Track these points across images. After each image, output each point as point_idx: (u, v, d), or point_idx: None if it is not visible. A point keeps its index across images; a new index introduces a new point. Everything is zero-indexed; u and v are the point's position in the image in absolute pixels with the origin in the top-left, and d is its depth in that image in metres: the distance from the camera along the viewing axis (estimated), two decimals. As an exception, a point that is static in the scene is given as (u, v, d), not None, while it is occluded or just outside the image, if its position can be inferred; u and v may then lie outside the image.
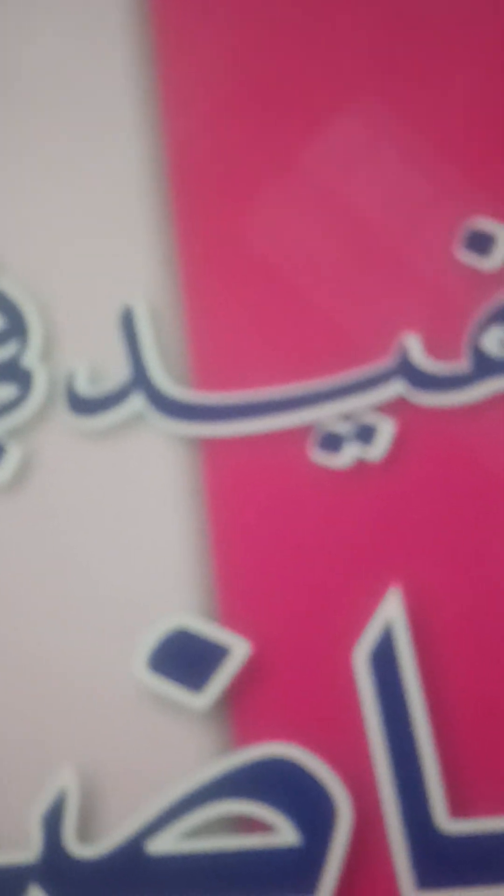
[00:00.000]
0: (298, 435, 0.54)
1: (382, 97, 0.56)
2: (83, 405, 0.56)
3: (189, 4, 0.59)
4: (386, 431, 0.53)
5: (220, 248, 0.56)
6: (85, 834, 0.52)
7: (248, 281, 0.56)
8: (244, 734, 0.52)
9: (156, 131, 0.58)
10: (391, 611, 0.51)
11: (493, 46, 0.55)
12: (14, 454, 0.56)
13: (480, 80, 0.55)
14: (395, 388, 0.53)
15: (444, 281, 0.54)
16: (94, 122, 0.59)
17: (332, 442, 0.53)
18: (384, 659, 0.51)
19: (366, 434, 0.53)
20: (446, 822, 0.49)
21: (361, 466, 0.53)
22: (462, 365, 0.53)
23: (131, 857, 0.51)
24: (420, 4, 0.56)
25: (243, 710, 0.52)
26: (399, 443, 0.53)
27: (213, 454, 0.55)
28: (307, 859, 0.50)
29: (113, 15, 0.59)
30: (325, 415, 0.53)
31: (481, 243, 0.54)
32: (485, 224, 0.54)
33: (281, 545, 0.53)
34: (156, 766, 0.52)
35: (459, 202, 0.55)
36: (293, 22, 0.57)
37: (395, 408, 0.53)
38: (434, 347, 0.53)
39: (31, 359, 0.57)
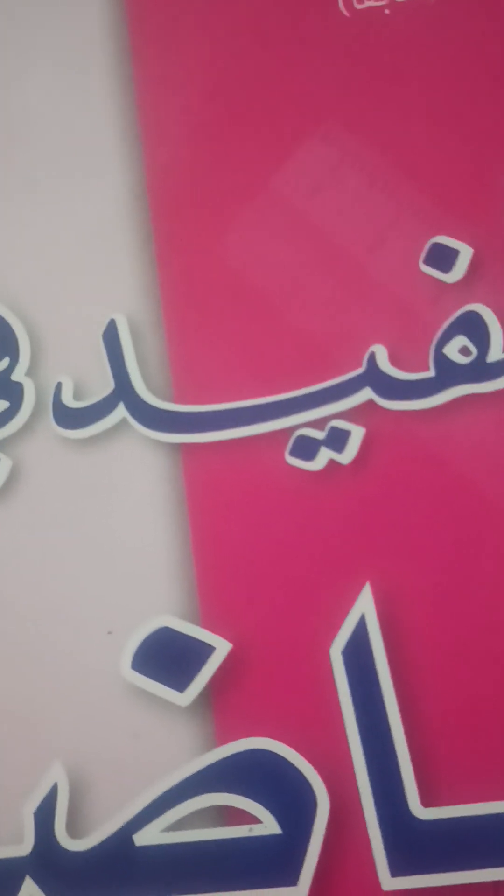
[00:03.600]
0: (274, 441, 0.54)
1: (349, 123, 0.56)
2: (69, 417, 0.56)
3: (166, 41, 0.59)
4: (356, 436, 0.53)
5: (198, 267, 0.56)
6: (75, 828, 0.52)
7: (225, 297, 0.56)
8: (226, 729, 0.52)
9: (136, 158, 0.58)
10: (364, 607, 0.52)
11: (453, 71, 0.56)
12: (4, 464, 0.56)
13: (442, 104, 0.55)
14: (365, 396, 0.53)
15: (408, 294, 0.54)
16: (78, 150, 0.59)
17: (305, 447, 0.54)
18: (358, 654, 0.51)
19: (337, 439, 0.53)
20: (419, 810, 0.50)
21: (334, 470, 0.53)
22: (427, 373, 0.53)
23: (120, 849, 0.51)
24: (385, 35, 0.56)
25: (224, 706, 0.52)
26: (369, 447, 0.53)
27: (193, 461, 0.55)
28: (287, 848, 0.50)
29: (95, 53, 0.59)
30: (299, 422, 0.54)
31: (443, 258, 0.54)
32: (446, 240, 0.54)
33: (258, 546, 0.53)
34: (142, 762, 0.52)
35: (422, 220, 0.55)
36: (263, 55, 0.57)
37: (365, 414, 0.53)
38: (400, 357, 0.54)
39: (19, 374, 0.57)
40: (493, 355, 0.53)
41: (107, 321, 0.56)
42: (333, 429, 0.53)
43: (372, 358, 0.54)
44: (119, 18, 0.59)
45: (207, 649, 0.52)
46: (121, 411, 0.55)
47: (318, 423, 0.54)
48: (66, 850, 0.52)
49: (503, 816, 0.49)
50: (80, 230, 0.58)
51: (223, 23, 0.57)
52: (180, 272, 0.56)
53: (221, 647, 0.52)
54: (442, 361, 0.53)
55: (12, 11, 0.60)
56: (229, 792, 0.51)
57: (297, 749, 0.51)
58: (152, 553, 0.54)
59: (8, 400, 0.57)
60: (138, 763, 0.52)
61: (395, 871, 0.49)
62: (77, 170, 0.58)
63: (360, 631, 0.51)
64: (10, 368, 0.57)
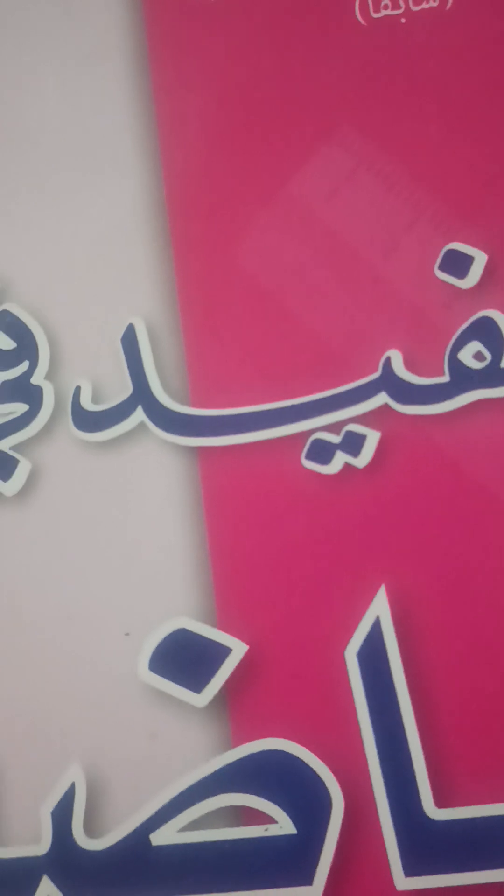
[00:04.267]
0: (290, 444, 0.54)
1: (365, 129, 0.56)
2: (87, 420, 0.56)
3: (184, 46, 0.59)
4: (371, 440, 0.53)
5: (215, 272, 0.57)
6: (92, 827, 0.53)
7: (242, 302, 0.56)
8: (242, 730, 0.52)
9: (154, 163, 0.58)
10: (379, 610, 0.52)
11: (468, 80, 0.56)
12: (23, 467, 0.56)
13: (457, 112, 0.56)
14: (380, 400, 0.54)
15: (423, 300, 0.54)
16: (97, 155, 0.59)
17: (321, 450, 0.54)
18: (373, 656, 0.52)
19: (353, 443, 0.53)
20: (433, 810, 0.50)
21: (349, 473, 0.53)
22: (442, 377, 0.54)
23: (136, 848, 0.52)
24: (401, 43, 0.57)
25: (240, 707, 0.53)
26: (384, 451, 0.53)
27: (210, 464, 0.55)
28: (303, 848, 0.50)
29: (113, 56, 0.60)
30: (315, 425, 0.54)
31: (458, 265, 0.54)
32: (461, 247, 0.54)
33: (275, 549, 0.54)
34: (158, 762, 0.53)
35: (437, 227, 0.55)
36: (280, 61, 0.57)
37: (380, 418, 0.54)
38: (415, 362, 0.54)
39: (38, 377, 0.57)
40: (508, 361, 0.54)
41: (125, 325, 0.57)
42: (349, 433, 0.54)
43: (387, 363, 0.54)
44: (136, 22, 0.59)
45: (224, 651, 0.53)
46: (139, 415, 0.56)
47: (333, 427, 0.54)
48: (83, 850, 0.52)
49: (516, 817, 0.50)
50: (98, 234, 0.58)
51: (240, 28, 0.58)
52: (198, 277, 0.56)
53: (238, 649, 0.53)
54: (456, 366, 0.53)
55: (27, 15, 0.60)
56: (245, 792, 0.51)
57: (312, 750, 0.51)
58: (169, 555, 0.54)
59: (27, 403, 0.57)
60: (155, 763, 0.53)
61: (409, 871, 0.50)
62: (95, 174, 0.58)
63: (375, 633, 0.52)
64: (30, 372, 0.57)
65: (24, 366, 0.58)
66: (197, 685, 0.52)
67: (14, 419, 0.57)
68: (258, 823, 0.51)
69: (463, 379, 0.53)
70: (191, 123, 0.58)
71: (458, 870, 0.49)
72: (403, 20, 0.56)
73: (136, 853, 0.52)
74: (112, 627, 0.54)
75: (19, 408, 0.57)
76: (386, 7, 0.56)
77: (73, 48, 0.60)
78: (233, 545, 0.54)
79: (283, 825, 0.51)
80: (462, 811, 0.50)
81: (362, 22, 0.57)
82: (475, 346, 0.53)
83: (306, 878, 0.50)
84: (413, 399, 0.53)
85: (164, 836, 0.51)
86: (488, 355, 0.53)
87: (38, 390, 0.57)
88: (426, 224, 0.55)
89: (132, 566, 0.55)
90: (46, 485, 0.56)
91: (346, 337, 0.55)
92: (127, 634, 0.54)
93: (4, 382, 0.57)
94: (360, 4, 0.57)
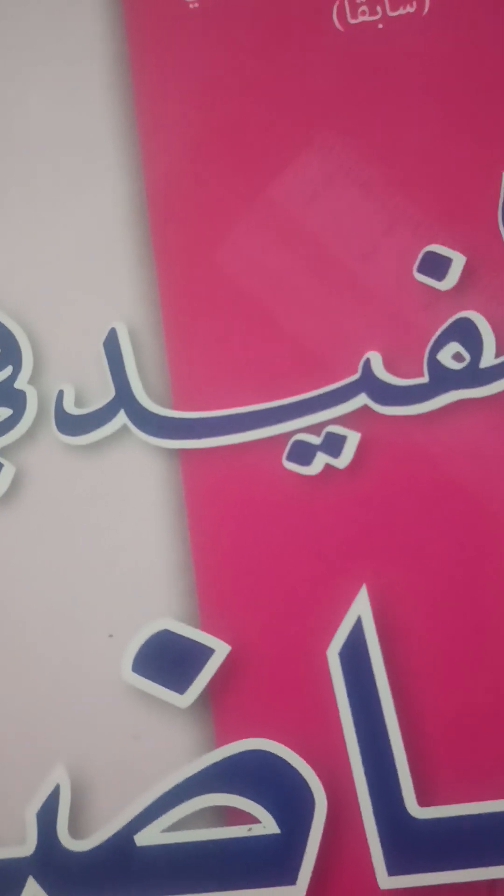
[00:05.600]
0: (271, 446, 0.54)
1: (344, 134, 0.57)
2: (70, 424, 0.56)
3: (165, 52, 0.59)
4: (352, 441, 0.53)
5: (196, 277, 0.57)
6: (77, 828, 0.52)
7: (223, 305, 0.56)
8: (225, 730, 0.52)
9: (135, 168, 0.59)
10: (360, 609, 0.52)
11: (445, 84, 0.56)
12: (7, 471, 0.56)
13: (435, 116, 0.56)
14: (360, 401, 0.54)
15: (403, 302, 0.55)
16: (78, 161, 0.59)
17: (302, 452, 0.54)
18: (355, 656, 0.51)
19: (333, 444, 0.54)
20: (416, 809, 0.50)
21: (330, 474, 0.54)
22: (421, 378, 0.54)
23: (121, 849, 0.52)
24: (379, 48, 0.57)
25: (224, 707, 0.53)
26: (364, 451, 0.53)
27: (192, 466, 0.55)
28: (286, 847, 0.50)
29: (94, 62, 0.60)
30: (296, 427, 0.54)
31: (437, 267, 0.54)
32: (440, 249, 0.54)
33: (256, 550, 0.53)
34: (142, 763, 0.53)
35: (416, 230, 0.55)
36: (259, 67, 0.58)
37: (361, 419, 0.54)
38: (395, 363, 0.54)
39: (21, 381, 0.57)
40: (486, 361, 0.53)
41: (107, 329, 0.57)
42: (329, 434, 0.54)
43: (367, 364, 0.54)
44: (118, 29, 0.59)
45: (207, 651, 0.53)
46: (121, 418, 0.56)
47: (314, 429, 0.54)
48: (68, 851, 0.52)
49: (499, 815, 0.49)
50: (80, 239, 0.58)
51: (220, 35, 0.58)
52: (179, 281, 0.57)
53: (220, 650, 0.52)
54: (436, 367, 0.53)
55: (11, 21, 0.61)
56: (228, 792, 0.51)
57: (295, 750, 0.51)
58: (152, 557, 0.54)
59: (11, 407, 0.57)
60: (139, 764, 0.52)
61: (393, 870, 0.49)
62: (77, 180, 0.58)
63: (357, 632, 0.52)
64: (13, 376, 0.57)
65: (8, 370, 0.58)
66: (180, 686, 0.52)
67: (-2, 423, 0.58)
68: (242, 823, 0.51)
69: (442, 380, 0.53)
70: (172, 129, 0.58)
71: (442, 868, 0.49)
72: (381, 26, 0.57)
73: (120, 854, 0.51)
74: (96, 629, 0.54)
75: (3, 412, 0.57)
76: (363, 13, 0.57)
77: (55, 55, 0.60)
78: (215, 546, 0.54)
79: (267, 825, 0.51)
80: (445, 810, 0.50)
81: (340, 28, 0.57)
82: (454, 346, 0.53)
83: (290, 878, 0.50)
84: (393, 400, 0.53)
85: (148, 837, 0.51)
86: (467, 356, 0.53)
87: (21, 394, 0.57)
88: (405, 227, 0.55)
89: (115, 568, 0.55)
90: (30, 488, 0.56)
91: (326, 339, 0.55)
92: (111, 636, 0.54)
93: (-12, 387, 0.58)
94: (337, 11, 0.57)
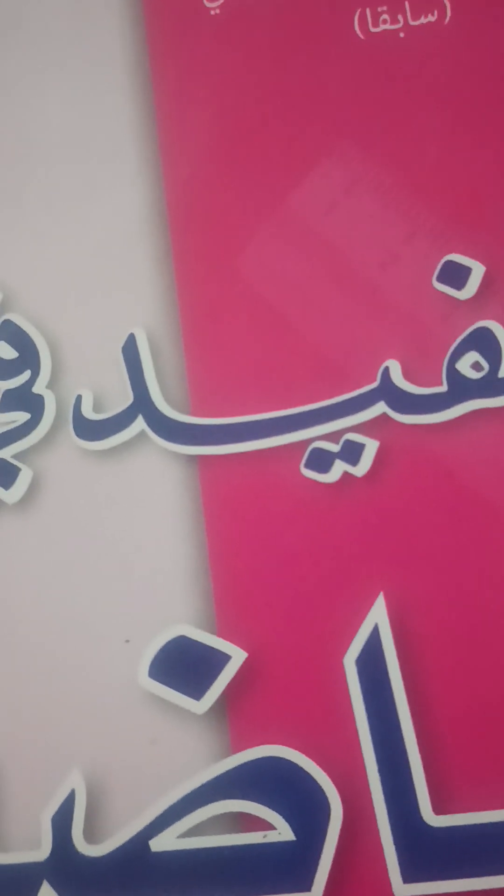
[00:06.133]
0: (289, 453, 0.54)
1: (364, 142, 0.57)
2: (88, 429, 0.56)
3: (186, 59, 0.59)
4: (370, 449, 0.53)
5: (216, 283, 0.57)
6: (92, 833, 0.52)
7: (242, 312, 0.56)
8: (241, 737, 0.52)
9: (155, 175, 0.59)
10: (377, 617, 0.52)
11: (466, 93, 0.56)
12: (24, 475, 0.56)
13: (455, 125, 0.56)
14: (379, 410, 0.54)
15: (422, 311, 0.55)
16: (99, 167, 0.59)
17: (320, 459, 0.54)
18: (371, 664, 0.51)
19: (352, 452, 0.54)
20: (431, 817, 0.50)
21: (348, 482, 0.53)
22: (440, 387, 0.54)
23: (136, 854, 0.52)
24: (400, 57, 0.57)
25: (240, 714, 0.53)
26: (382, 459, 0.53)
27: (210, 472, 0.55)
28: (301, 854, 0.50)
29: (115, 69, 0.60)
30: (314, 434, 0.54)
31: (456, 276, 0.54)
32: (459, 258, 0.55)
33: (274, 557, 0.54)
34: (158, 769, 0.52)
35: (435, 239, 0.55)
36: (280, 75, 0.58)
37: (379, 427, 0.54)
38: (414, 371, 0.54)
39: (39, 386, 0.57)
40: (505, 370, 0.54)
41: (126, 335, 0.57)
42: (348, 442, 0.54)
43: (386, 372, 0.54)
44: (139, 35, 0.59)
45: (223, 658, 0.53)
46: (139, 424, 0.56)
47: (332, 436, 0.54)
48: (83, 856, 0.52)
49: (514, 824, 0.49)
50: (100, 245, 0.58)
51: (241, 42, 0.58)
52: (198, 287, 0.57)
53: (237, 656, 0.52)
54: (454, 376, 0.53)
55: (32, 27, 0.61)
56: (244, 799, 0.51)
57: (311, 757, 0.51)
58: (169, 563, 0.54)
59: (29, 412, 0.57)
60: (155, 770, 0.52)
61: (407, 877, 0.49)
62: (97, 185, 0.58)
63: (374, 640, 0.52)
64: (32, 381, 0.57)
65: (26, 375, 0.58)
66: (196, 692, 0.52)
67: (16, 428, 0.57)
68: (257, 830, 0.51)
69: (461, 389, 0.53)
70: (192, 136, 0.58)
71: (456, 876, 0.49)
72: (402, 34, 0.57)
73: (135, 859, 0.51)
74: (112, 634, 0.54)
75: (21, 416, 0.57)
76: (385, 21, 0.57)
77: (76, 61, 0.60)
78: (232, 553, 0.54)
79: (282, 832, 0.51)
80: (460, 818, 0.50)
81: (361, 36, 0.57)
82: (473, 356, 0.53)
83: (305, 885, 0.50)
84: (411, 408, 0.53)
85: (163, 843, 0.51)
86: (486, 365, 0.53)
87: (39, 399, 0.57)
88: (424, 236, 0.55)
89: (133, 573, 0.55)
90: (48, 493, 0.56)
91: (345, 347, 0.55)
92: (127, 641, 0.54)
93: (6, 391, 0.58)
94: (359, 19, 0.57)
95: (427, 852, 0.49)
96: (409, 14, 0.57)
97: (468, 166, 0.55)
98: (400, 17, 0.57)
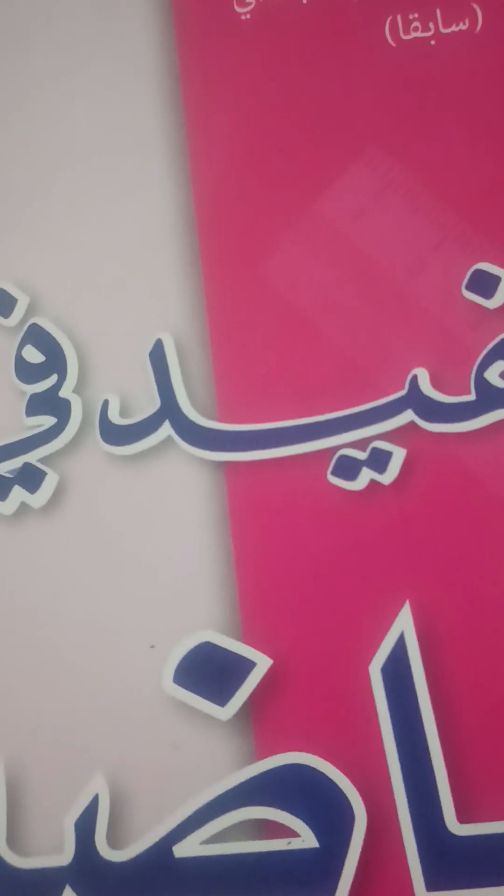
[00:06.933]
0: (316, 460, 0.54)
1: (394, 149, 0.57)
2: (115, 433, 0.56)
3: (215, 64, 0.59)
4: (398, 457, 0.53)
5: (244, 289, 0.57)
6: (115, 839, 0.52)
7: (270, 319, 0.56)
8: (265, 743, 0.52)
9: (184, 180, 0.59)
10: (403, 625, 0.52)
11: (497, 101, 0.56)
12: (50, 479, 0.56)
13: (485, 133, 0.56)
14: (406, 418, 0.54)
15: (450, 319, 0.55)
16: (127, 172, 0.59)
17: (347, 467, 0.54)
18: (397, 672, 0.51)
19: (379, 459, 0.53)
20: (455, 826, 0.50)
21: (375, 490, 0.53)
22: (468, 396, 0.53)
23: (159, 860, 0.51)
24: (430, 65, 0.57)
25: (264, 720, 0.52)
26: (410, 467, 0.53)
27: (237, 479, 0.55)
28: (325, 861, 0.50)
29: (144, 75, 0.60)
30: (341, 442, 0.54)
31: (485, 285, 0.54)
32: (488, 267, 0.54)
33: (300, 563, 0.53)
34: (182, 775, 0.52)
35: (465, 247, 0.55)
36: (310, 81, 0.58)
37: (407, 435, 0.54)
38: (442, 380, 0.54)
39: (66, 390, 0.57)
40: (534, 380, 0.54)
41: (154, 340, 0.57)
42: (375, 449, 0.54)
43: (414, 381, 0.54)
44: (168, 41, 0.59)
45: (248, 664, 0.52)
46: (166, 429, 0.56)
47: (360, 444, 0.54)
48: (106, 861, 0.52)
49: (538, 833, 0.49)
50: (127, 250, 0.58)
51: (270, 47, 0.58)
52: (226, 293, 0.56)
53: (262, 663, 0.52)
54: (483, 385, 0.53)
55: (61, 31, 0.60)
56: (268, 805, 0.51)
57: (335, 764, 0.51)
58: (195, 569, 0.54)
59: (55, 416, 0.57)
60: (178, 775, 0.52)
61: (431, 885, 0.49)
62: (125, 190, 0.58)
63: (400, 648, 0.51)
64: (58, 385, 0.57)
65: (53, 379, 0.57)
66: (221, 698, 0.52)
67: (42, 432, 0.57)
68: (281, 837, 0.51)
69: (489, 398, 0.53)
70: (220, 141, 0.58)
71: (480, 885, 0.49)
72: (433, 42, 0.56)
73: (158, 865, 0.51)
74: (137, 640, 0.54)
75: (47, 420, 0.57)
76: (416, 29, 0.57)
77: (105, 66, 0.60)
78: (258, 559, 0.54)
79: (306, 839, 0.50)
80: (484, 827, 0.49)
81: (392, 43, 0.57)
82: (501, 365, 0.53)
83: (328, 892, 0.50)
84: (439, 417, 0.53)
85: (186, 849, 0.51)
86: (514, 375, 0.54)
87: (66, 403, 0.57)
88: (453, 244, 0.55)
89: (158, 579, 0.54)
90: (73, 497, 0.56)
91: (373, 354, 0.55)
92: (152, 647, 0.54)
93: (33, 395, 0.57)
94: (390, 26, 0.57)
95: (451, 861, 0.49)
96: (440, 22, 0.56)
97: (498, 174, 0.54)
98: (431, 24, 0.56)
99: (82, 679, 0.54)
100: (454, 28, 0.56)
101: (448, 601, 0.52)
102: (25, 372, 0.58)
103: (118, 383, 0.57)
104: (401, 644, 0.51)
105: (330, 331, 0.55)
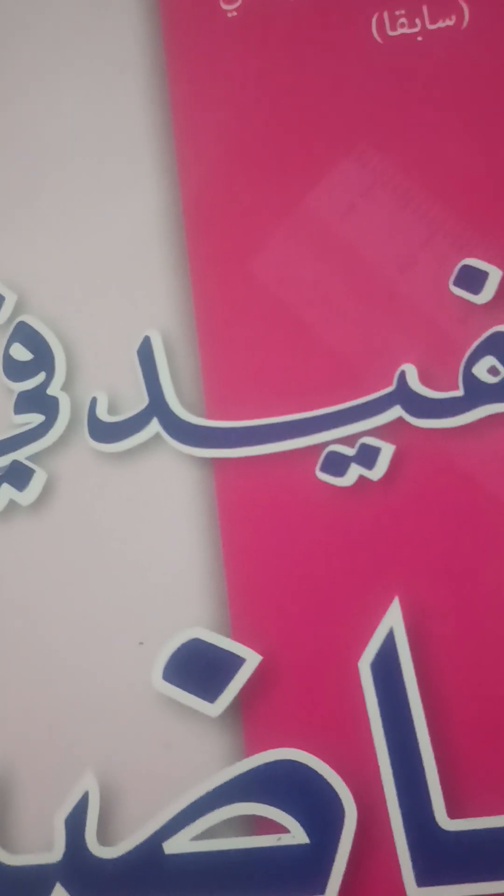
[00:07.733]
0: (305, 456, 0.54)
1: (382, 145, 0.57)
2: (103, 431, 0.56)
3: (202, 61, 0.59)
4: (386, 453, 0.53)
5: (231, 286, 0.57)
6: (105, 835, 0.52)
7: (257, 315, 0.56)
8: (255, 740, 0.52)
9: (171, 177, 0.59)
10: (392, 621, 0.52)
11: (484, 97, 0.56)
12: (39, 477, 0.56)
13: (473, 129, 0.56)
14: (395, 413, 0.54)
15: (438, 315, 0.55)
16: (114, 170, 0.59)
17: (336, 463, 0.54)
18: (386, 668, 0.51)
19: (367, 455, 0.53)
20: (445, 821, 0.49)
21: (363, 485, 0.53)
22: (456, 391, 0.53)
23: (149, 857, 0.51)
24: (418, 60, 0.57)
25: (254, 717, 0.52)
26: (398, 463, 0.53)
27: (225, 475, 0.55)
28: (315, 857, 0.50)
29: (131, 72, 0.60)
30: (330, 438, 0.54)
31: (473, 280, 0.54)
32: (476, 262, 0.54)
33: (289, 560, 0.53)
34: (172, 771, 0.52)
35: (453, 243, 0.55)
36: (298, 77, 0.58)
37: (395, 431, 0.53)
38: (430, 376, 0.54)
39: (54, 388, 0.57)
40: (522, 376, 0.54)
41: (141, 338, 0.57)
42: (363, 445, 0.54)
43: (402, 376, 0.54)
44: (155, 38, 0.59)
45: (238, 661, 0.52)
46: (154, 426, 0.56)
47: (348, 440, 0.54)
48: (96, 858, 0.52)
49: (528, 828, 0.49)
50: (115, 248, 0.58)
51: (258, 44, 0.58)
52: (214, 290, 0.56)
53: (252, 659, 0.52)
54: (471, 381, 0.53)
55: (48, 30, 0.60)
56: (258, 802, 0.51)
57: (325, 760, 0.51)
58: (184, 565, 0.54)
59: (43, 414, 0.57)
60: (168, 772, 0.52)
61: (422, 881, 0.49)
62: (112, 187, 0.58)
63: (389, 644, 0.51)
64: (46, 383, 0.57)
65: (41, 377, 0.57)
66: (211, 695, 0.52)
67: (30, 429, 0.57)
68: (271, 833, 0.51)
69: (477, 393, 0.53)
70: (208, 138, 0.58)
71: (471, 880, 0.49)
72: (420, 38, 0.56)
73: (149, 861, 0.51)
74: (126, 637, 0.54)
75: (35, 418, 0.57)
76: (403, 25, 0.57)
77: (92, 63, 0.60)
78: (247, 556, 0.54)
79: (296, 835, 0.50)
80: (474, 822, 0.49)
81: (379, 40, 0.57)
82: (489, 360, 0.53)
83: (319, 888, 0.50)
84: (427, 413, 0.53)
85: (177, 845, 0.51)
86: (502, 370, 0.53)
87: (54, 401, 0.57)
88: (442, 240, 0.55)
89: (147, 576, 0.54)
90: (62, 495, 0.56)
91: (362, 350, 0.55)
92: (141, 644, 0.54)
93: (21, 393, 0.57)
94: (376, 23, 0.57)
95: (441, 856, 0.49)
96: (426, 18, 0.56)
97: (486, 170, 0.54)
98: (418, 20, 0.56)
99: (72, 676, 0.54)
100: (441, 24, 0.56)
101: (437, 597, 0.52)
102: (13, 370, 0.58)
103: (106, 381, 0.57)
104: (390, 640, 0.51)
105: (318, 327, 0.55)
